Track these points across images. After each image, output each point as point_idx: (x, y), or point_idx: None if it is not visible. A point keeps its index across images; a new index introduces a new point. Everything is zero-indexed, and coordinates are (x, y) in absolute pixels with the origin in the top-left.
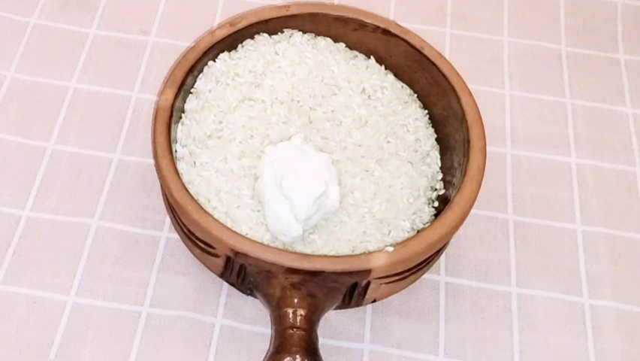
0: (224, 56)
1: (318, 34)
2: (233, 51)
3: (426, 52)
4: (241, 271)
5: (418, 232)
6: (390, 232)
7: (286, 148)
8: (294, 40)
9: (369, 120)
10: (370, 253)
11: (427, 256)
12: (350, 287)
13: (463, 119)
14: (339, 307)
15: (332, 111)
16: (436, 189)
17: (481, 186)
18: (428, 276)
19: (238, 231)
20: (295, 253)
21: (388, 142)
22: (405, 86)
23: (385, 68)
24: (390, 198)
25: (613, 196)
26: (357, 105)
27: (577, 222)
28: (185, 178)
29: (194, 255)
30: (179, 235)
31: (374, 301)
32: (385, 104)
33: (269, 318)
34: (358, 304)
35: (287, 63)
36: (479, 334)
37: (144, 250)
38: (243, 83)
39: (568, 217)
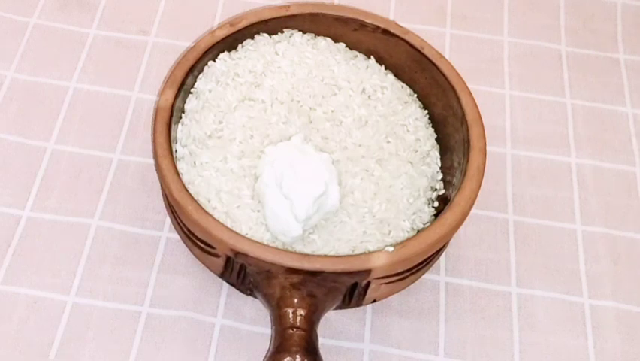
0: (224, 56)
1: (318, 34)
2: (233, 51)
3: (426, 52)
4: (241, 271)
5: (418, 232)
6: (390, 232)
7: (286, 148)
8: (294, 40)
9: (369, 120)
10: (370, 253)
11: (427, 256)
12: (350, 287)
13: (463, 119)
14: (339, 307)
15: (332, 111)
16: (436, 189)
17: (481, 186)
18: (428, 276)
19: (238, 231)
20: (295, 253)
21: (388, 142)
22: (405, 86)
23: (385, 68)
24: (390, 198)
25: (613, 196)
26: (357, 105)
27: (577, 222)
28: (185, 178)
29: (194, 255)
30: (179, 235)
31: (374, 301)
32: (385, 104)
33: (269, 318)
34: (358, 304)
35: (287, 63)
36: (479, 334)
37: (144, 250)
38: (243, 83)
39: (568, 217)
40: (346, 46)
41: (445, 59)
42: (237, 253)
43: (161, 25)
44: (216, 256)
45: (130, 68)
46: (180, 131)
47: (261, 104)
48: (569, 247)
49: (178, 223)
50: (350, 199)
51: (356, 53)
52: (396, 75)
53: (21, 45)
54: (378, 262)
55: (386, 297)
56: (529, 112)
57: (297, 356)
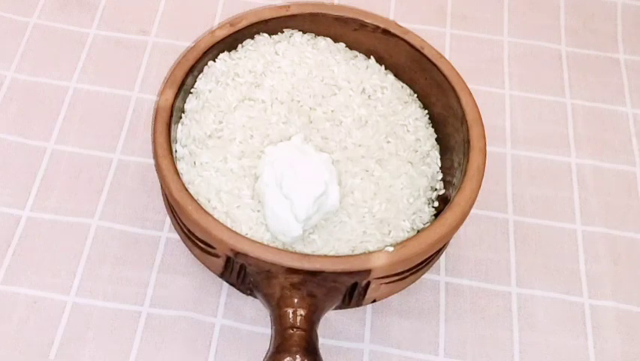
0: (224, 56)
1: (318, 34)
2: (233, 51)
3: (426, 52)
4: (241, 271)
5: (418, 232)
6: (390, 232)
7: (286, 148)
8: (294, 40)
9: (369, 120)
10: (370, 253)
11: (427, 256)
12: (350, 287)
13: (463, 120)
14: (339, 307)
15: (332, 111)
16: (436, 189)
17: (481, 186)
18: (428, 276)
19: (238, 231)
20: (295, 253)
21: (388, 142)
22: (405, 86)
23: (385, 68)
24: (390, 198)
25: (613, 196)
26: (357, 105)
27: (577, 222)
28: (185, 178)
29: (194, 255)
30: (179, 235)
31: (374, 301)
32: (385, 104)
33: (269, 318)
34: (358, 304)
35: (287, 63)
36: (479, 334)
37: (144, 250)
38: (243, 83)
39: (568, 217)
40: (346, 46)
41: (445, 59)
42: (237, 253)
43: (161, 25)
44: (216, 256)
45: (130, 68)
46: (180, 131)
47: (261, 104)
48: (569, 247)
49: (178, 223)
50: (350, 199)
51: (356, 53)
52: (396, 75)
53: (21, 45)
54: (378, 262)
55: (386, 297)
56: (529, 112)
57: (297, 356)
